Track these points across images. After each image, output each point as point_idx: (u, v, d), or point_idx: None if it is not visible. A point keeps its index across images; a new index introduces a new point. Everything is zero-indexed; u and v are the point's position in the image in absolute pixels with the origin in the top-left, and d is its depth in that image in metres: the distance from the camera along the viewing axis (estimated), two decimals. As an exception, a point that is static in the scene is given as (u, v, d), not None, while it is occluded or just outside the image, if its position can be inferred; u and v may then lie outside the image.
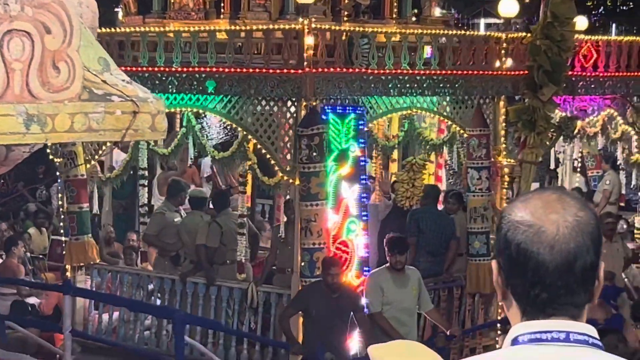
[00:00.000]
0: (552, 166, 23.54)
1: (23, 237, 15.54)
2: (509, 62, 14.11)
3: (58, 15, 5.22)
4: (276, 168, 12.02)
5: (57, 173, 13.45)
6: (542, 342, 2.31)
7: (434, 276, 13.17)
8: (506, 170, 14.29)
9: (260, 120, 12.08)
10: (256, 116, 12.11)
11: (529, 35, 14.03)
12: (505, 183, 14.36)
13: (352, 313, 10.54)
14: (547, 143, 14.40)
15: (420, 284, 11.08)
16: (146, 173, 13.60)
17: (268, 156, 12.06)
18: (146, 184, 13.65)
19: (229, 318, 12.46)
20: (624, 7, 32.73)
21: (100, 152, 13.38)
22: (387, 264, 11.06)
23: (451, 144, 13.74)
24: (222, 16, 15.17)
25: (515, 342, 2.34)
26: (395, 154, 15.00)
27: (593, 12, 31.23)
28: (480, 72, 13.46)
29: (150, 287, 13.07)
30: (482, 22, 36.59)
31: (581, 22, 23.25)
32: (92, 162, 13.42)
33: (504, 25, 14.72)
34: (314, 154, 11.36)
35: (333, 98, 11.99)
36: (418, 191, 13.19)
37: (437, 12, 18.97)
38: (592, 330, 2.36)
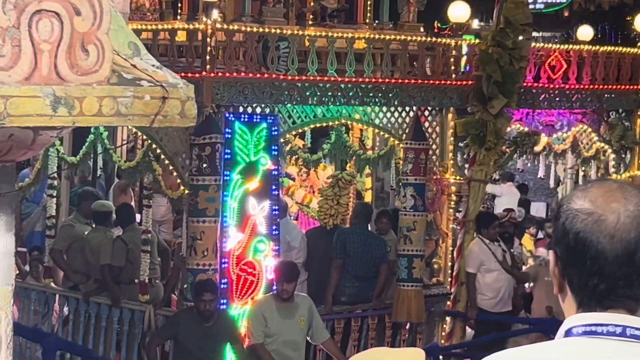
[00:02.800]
0: (552, 185, 22.40)
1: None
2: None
3: (88, -3, 5.41)
4: (178, 180, 11.05)
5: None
6: (596, 335, 2.25)
7: (362, 303, 12.09)
8: (453, 188, 13.16)
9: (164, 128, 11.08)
10: (160, 123, 11.09)
11: (479, 42, 12.91)
12: (452, 202, 13.22)
13: (227, 344, 9.51)
14: (498, 160, 13.22)
15: (312, 314, 9.97)
16: (55, 182, 12.62)
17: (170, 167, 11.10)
18: (55, 194, 12.67)
19: (135, 341, 11.48)
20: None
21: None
22: (275, 291, 10.01)
23: (388, 159, 12.61)
24: (179, 17, 14.32)
25: (568, 333, 2.28)
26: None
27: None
28: (419, 81, 12.32)
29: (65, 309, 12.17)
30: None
31: (586, 31, 21.97)
32: None
33: (455, 32, 13.56)
34: (204, 165, 10.33)
35: (242, 105, 10.98)
36: (343, 209, 12.06)
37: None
38: None
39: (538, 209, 22.71)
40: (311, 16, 13.88)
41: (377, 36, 12.51)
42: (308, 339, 10.07)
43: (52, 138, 5.47)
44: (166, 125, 5.35)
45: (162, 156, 11.09)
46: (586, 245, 2.24)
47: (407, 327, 12.57)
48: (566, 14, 39.80)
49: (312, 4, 13.98)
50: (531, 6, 39.16)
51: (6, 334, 5.76)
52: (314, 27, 13.43)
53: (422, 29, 14.34)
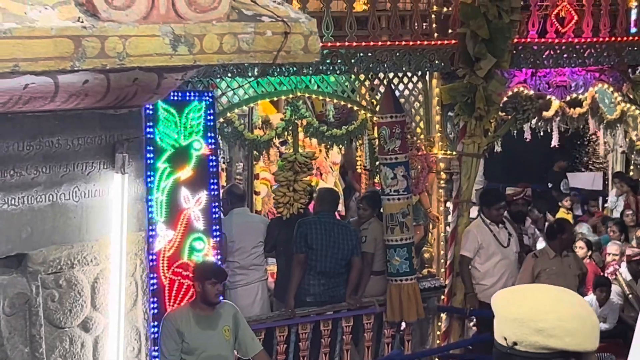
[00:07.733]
0: (602, 153, 20.42)
1: None
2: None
3: None
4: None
5: None
6: None
7: (332, 302, 10.45)
8: (442, 165, 11.42)
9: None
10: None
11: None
12: (442, 181, 11.48)
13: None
14: (493, 130, 11.43)
15: (238, 322, 8.36)
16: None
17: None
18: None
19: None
20: None
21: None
22: (192, 300, 8.43)
23: (359, 136, 10.92)
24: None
25: None
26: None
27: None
28: (387, 43, 10.58)
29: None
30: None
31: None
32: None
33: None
34: (116, 154, 8.77)
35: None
36: (299, 196, 10.37)
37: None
38: None
39: (595, 180, 20.74)
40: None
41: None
42: (236, 352, 8.49)
43: (177, 81, 5.15)
44: (290, 61, 5.05)
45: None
46: None
47: (397, 328, 10.92)
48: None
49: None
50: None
51: (141, 279, 4.81)
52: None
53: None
